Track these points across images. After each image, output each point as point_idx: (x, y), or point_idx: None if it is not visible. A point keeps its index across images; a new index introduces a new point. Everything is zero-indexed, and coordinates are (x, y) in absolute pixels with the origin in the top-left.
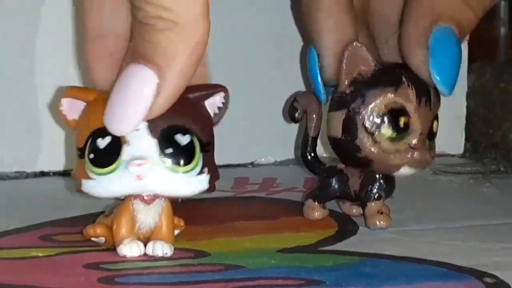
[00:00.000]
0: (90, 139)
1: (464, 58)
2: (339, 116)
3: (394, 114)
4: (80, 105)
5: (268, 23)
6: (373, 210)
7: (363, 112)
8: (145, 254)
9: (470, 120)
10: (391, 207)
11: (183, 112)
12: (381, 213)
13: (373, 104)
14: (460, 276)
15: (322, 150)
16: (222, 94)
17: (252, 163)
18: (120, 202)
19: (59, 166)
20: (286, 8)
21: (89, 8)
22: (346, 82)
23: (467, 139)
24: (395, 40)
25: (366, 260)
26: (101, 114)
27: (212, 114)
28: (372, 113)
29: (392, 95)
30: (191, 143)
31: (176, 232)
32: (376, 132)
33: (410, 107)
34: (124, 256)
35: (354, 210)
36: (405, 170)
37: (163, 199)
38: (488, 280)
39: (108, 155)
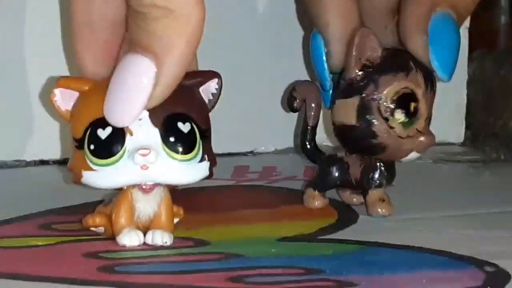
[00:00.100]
0: (90, 130)
1: (464, 46)
2: (351, 103)
3: (406, 99)
4: (73, 95)
5: (269, 11)
6: (375, 198)
7: (378, 98)
8: (144, 243)
9: (471, 109)
10: (392, 196)
11: (181, 100)
12: (383, 200)
13: (387, 90)
14: (460, 264)
15: (323, 139)
16: (216, 80)
17: (252, 152)
18: (119, 191)
19: (59, 155)
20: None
21: (78, 0)
22: (356, 69)
23: (467, 128)
24: (394, 25)
25: (366, 248)
26: (99, 104)
27: (206, 101)
28: (387, 99)
29: (404, 81)
30: (192, 130)
31: (175, 220)
32: (390, 118)
33: (419, 92)
34: (124, 246)
35: (355, 199)
36: (412, 155)
37: (162, 188)
38: (488, 268)
39: (110, 146)
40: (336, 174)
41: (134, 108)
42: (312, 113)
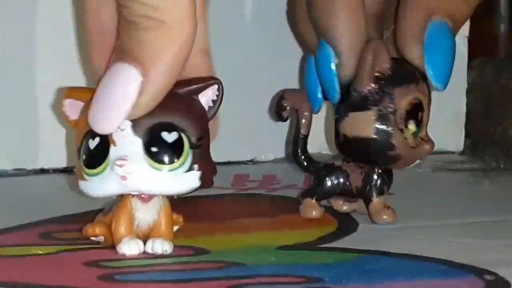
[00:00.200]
0: (84, 140)
1: (464, 54)
2: (368, 116)
3: (416, 109)
4: (80, 105)
5: (267, 21)
6: (380, 206)
7: (394, 110)
8: (144, 252)
9: (470, 117)
10: (392, 204)
11: (171, 109)
12: (388, 208)
13: (402, 101)
14: (460, 273)
15: (323, 147)
16: (215, 87)
17: (252, 160)
18: (119, 200)
19: (59, 163)
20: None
21: (89, 6)
22: (370, 81)
23: (467, 136)
24: (390, 33)
25: (366, 257)
26: None
27: (206, 108)
28: (402, 111)
29: (415, 92)
30: (178, 140)
31: (175, 228)
32: (404, 129)
33: (425, 101)
34: (124, 255)
35: (345, 207)
36: (415, 163)
37: (161, 196)
38: (488, 277)
39: (97, 156)
40: (335, 182)
41: (115, 115)
42: (306, 122)
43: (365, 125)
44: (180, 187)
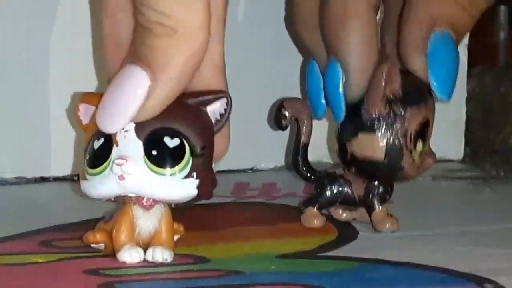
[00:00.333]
0: (90, 141)
1: (464, 62)
2: (379, 139)
3: (424, 127)
4: (92, 109)
5: (267, 28)
6: (383, 214)
7: (406, 133)
8: (145, 260)
9: (470, 125)
10: (392, 213)
11: (177, 116)
12: (391, 216)
13: (413, 123)
14: (460, 281)
15: (324, 155)
16: (223, 100)
17: (252, 169)
18: (120, 208)
19: (60, 172)
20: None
21: (105, 16)
22: (382, 103)
23: (466, 144)
24: (393, 45)
25: (366, 265)
26: None
27: (214, 121)
28: (413, 132)
29: (425, 111)
30: (180, 146)
31: (175, 237)
32: (413, 149)
33: (431, 116)
34: (124, 262)
35: (344, 215)
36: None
37: (163, 205)
38: (488, 286)
39: (100, 156)
40: (337, 191)
41: (121, 115)
42: (307, 131)
43: (375, 146)
44: (177, 193)
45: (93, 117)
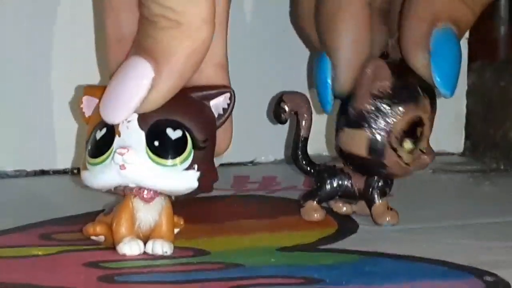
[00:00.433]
0: (93, 132)
1: (464, 57)
2: (362, 135)
3: (414, 126)
4: (95, 102)
5: (269, 22)
6: (383, 207)
7: (389, 130)
8: (144, 253)
9: (470, 119)
10: (392, 205)
11: (180, 108)
12: (391, 209)
13: (398, 122)
14: (460, 274)
15: (322, 149)
16: (227, 95)
17: (252, 162)
18: (120, 201)
19: (60, 165)
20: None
21: (108, 13)
22: (367, 99)
23: (467, 138)
24: (394, 41)
25: (366, 258)
26: None
27: (216, 115)
28: (397, 131)
29: (414, 111)
30: (182, 138)
31: (175, 230)
32: (398, 148)
33: (425, 116)
34: (124, 255)
35: (344, 208)
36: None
37: (163, 197)
38: (488, 278)
39: (101, 146)
40: (337, 185)
41: (125, 106)
42: (306, 125)
43: (358, 143)
44: (177, 184)
45: (95, 109)
